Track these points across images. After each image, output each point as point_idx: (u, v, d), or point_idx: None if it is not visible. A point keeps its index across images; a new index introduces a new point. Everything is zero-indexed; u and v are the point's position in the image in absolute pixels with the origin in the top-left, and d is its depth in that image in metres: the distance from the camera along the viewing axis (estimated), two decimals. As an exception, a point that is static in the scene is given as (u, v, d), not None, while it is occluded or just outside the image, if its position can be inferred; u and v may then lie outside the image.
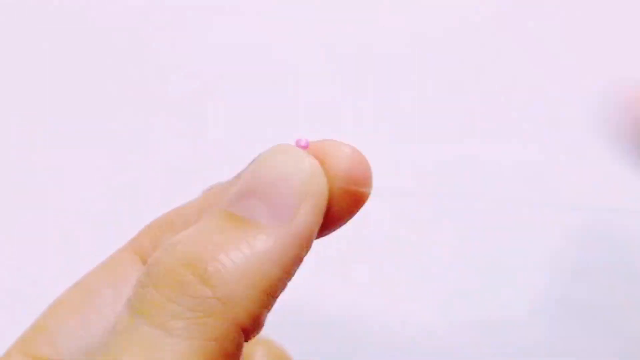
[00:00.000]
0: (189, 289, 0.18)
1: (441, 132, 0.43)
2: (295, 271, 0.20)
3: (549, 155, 0.42)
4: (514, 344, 0.39)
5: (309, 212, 0.20)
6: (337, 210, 0.21)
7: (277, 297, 0.19)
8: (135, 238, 0.23)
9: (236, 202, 0.20)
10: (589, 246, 0.40)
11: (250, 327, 0.19)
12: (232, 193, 0.20)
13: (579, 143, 0.42)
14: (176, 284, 0.18)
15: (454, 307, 0.39)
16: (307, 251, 0.20)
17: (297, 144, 0.21)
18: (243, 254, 0.19)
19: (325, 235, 0.21)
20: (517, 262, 0.40)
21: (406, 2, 0.46)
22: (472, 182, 0.42)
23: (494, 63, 0.45)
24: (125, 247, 0.23)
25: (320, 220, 0.20)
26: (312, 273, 0.40)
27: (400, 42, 0.45)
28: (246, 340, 0.19)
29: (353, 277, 0.40)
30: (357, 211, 0.21)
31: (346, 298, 0.39)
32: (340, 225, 0.21)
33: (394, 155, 0.42)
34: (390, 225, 0.41)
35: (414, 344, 0.39)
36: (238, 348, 0.19)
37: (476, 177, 0.42)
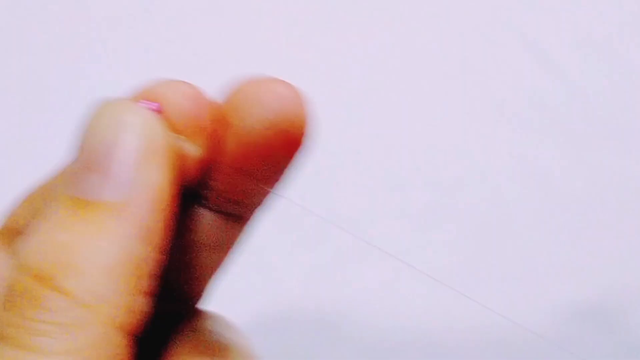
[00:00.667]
0: (45, 304, 0.16)
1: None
2: (165, 239, 0.17)
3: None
4: (514, 344, 0.39)
5: (154, 172, 0.17)
6: (264, 155, 0.18)
7: (153, 276, 0.17)
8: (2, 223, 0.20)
9: (75, 183, 0.17)
10: (589, 245, 0.40)
11: (131, 321, 0.16)
12: (70, 173, 0.17)
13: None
14: (30, 301, 0.16)
15: (454, 307, 0.39)
16: (169, 214, 0.17)
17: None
18: (97, 246, 0.16)
19: (272, 184, 0.19)
20: (517, 262, 0.40)
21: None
22: (470, 183, 0.42)
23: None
24: None
25: (170, 176, 0.17)
26: (309, 274, 0.40)
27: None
28: (136, 334, 0.17)
29: (351, 278, 0.40)
30: (291, 152, 0.18)
31: (343, 298, 0.39)
32: (281, 171, 0.19)
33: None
34: (389, 223, 0.41)
35: (413, 344, 0.39)
36: (125, 349, 0.16)
37: (470, 178, 0.42)
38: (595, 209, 0.41)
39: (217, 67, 0.43)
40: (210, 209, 0.19)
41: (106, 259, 0.16)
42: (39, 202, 0.19)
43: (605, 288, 0.39)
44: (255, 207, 0.20)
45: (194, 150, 0.18)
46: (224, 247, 0.20)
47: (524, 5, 0.45)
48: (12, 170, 0.41)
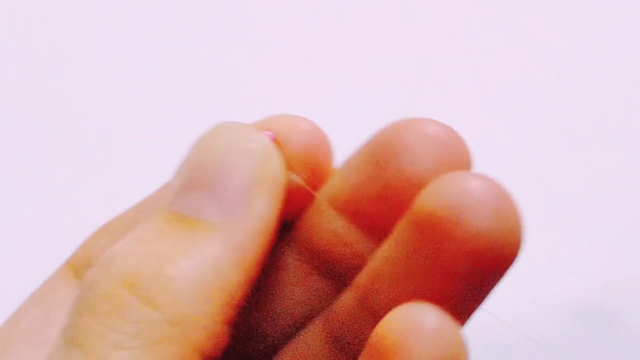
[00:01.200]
0: (131, 314, 0.15)
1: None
2: (258, 272, 0.16)
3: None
4: (513, 345, 0.39)
5: (265, 201, 0.16)
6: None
7: (240, 306, 0.16)
8: (72, 256, 0.20)
9: (178, 199, 0.16)
10: (589, 245, 0.40)
11: (212, 349, 0.16)
12: (173, 189, 0.17)
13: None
14: (115, 308, 0.15)
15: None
16: (268, 246, 0.17)
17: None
18: (193, 263, 0.15)
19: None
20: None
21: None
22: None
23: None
24: (60, 268, 0.20)
25: (279, 208, 0.17)
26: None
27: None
28: None
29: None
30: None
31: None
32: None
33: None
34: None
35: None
36: None
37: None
38: (595, 208, 0.41)
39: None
40: (301, 254, 0.18)
41: (200, 277, 0.15)
42: (118, 231, 0.18)
43: (605, 288, 0.39)
44: (356, 270, 0.17)
45: (300, 184, 0.18)
46: (310, 301, 0.18)
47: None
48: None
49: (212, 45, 0.45)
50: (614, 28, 0.46)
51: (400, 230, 0.16)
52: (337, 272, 0.18)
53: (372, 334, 0.15)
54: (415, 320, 0.14)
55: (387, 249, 0.16)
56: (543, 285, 0.40)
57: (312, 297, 0.18)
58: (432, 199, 0.15)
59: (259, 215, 0.16)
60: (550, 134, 0.43)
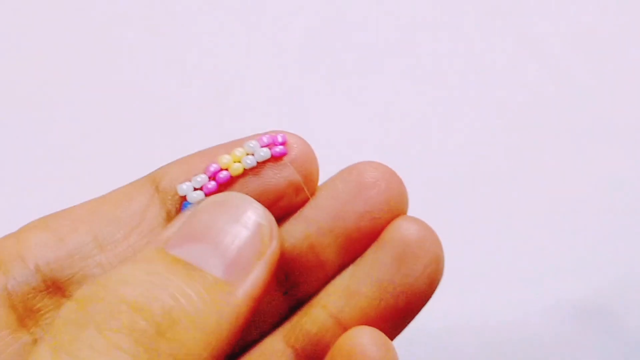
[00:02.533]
0: (143, 338, 0.15)
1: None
2: (240, 334, 0.17)
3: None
4: (513, 345, 0.39)
5: (264, 270, 0.18)
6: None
7: (226, 353, 0.17)
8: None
9: (179, 245, 0.17)
10: (589, 245, 0.40)
11: None
12: (170, 232, 0.18)
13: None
14: (126, 329, 0.15)
15: (453, 308, 0.39)
16: (254, 311, 0.18)
17: (273, 141, 0.20)
18: (201, 306, 0.16)
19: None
20: (516, 262, 0.40)
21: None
22: (471, 182, 0.42)
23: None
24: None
25: (271, 277, 0.18)
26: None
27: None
28: None
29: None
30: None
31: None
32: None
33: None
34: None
35: (412, 345, 0.39)
36: None
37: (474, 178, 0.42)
38: (595, 207, 0.41)
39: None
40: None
41: (203, 325, 0.16)
42: (63, 229, 0.19)
43: (605, 288, 0.39)
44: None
45: (300, 185, 0.20)
46: (269, 314, 0.21)
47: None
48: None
49: (203, 53, 0.45)
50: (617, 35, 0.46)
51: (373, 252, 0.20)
52: (295, 284, 0.20)
53: (327, 355, 0.19)
54: (358, 344, 0.18)
55: (360, 268, 0.20)
56: (543, 286, 0.39)
57: (271, 310, 0.21)
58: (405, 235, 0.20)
59: (256, 282, 0.17)
60: (550, 135, 0.43)
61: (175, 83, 0.44)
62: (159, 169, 0.20)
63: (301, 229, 0.20)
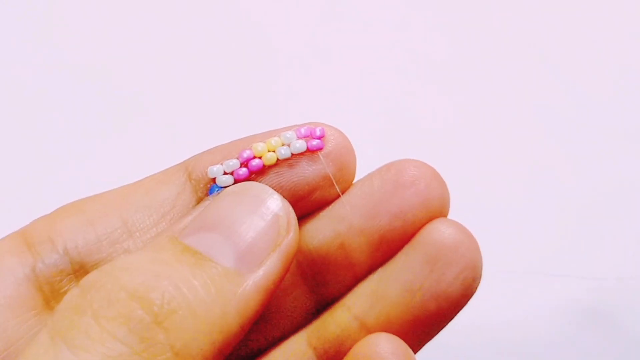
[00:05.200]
0: (139, 327, 0.15)
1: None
2: (249, 327, 0.17)
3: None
4: (513, 345, 0.39)
5: (279, 262, 0.17)
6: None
7: (227, 355, 0.16)
8: (27, 227, 0.20)
9: (192, 233, 0.17)
10: (589, 244, 0.40)
11: None
12: (187, 221, 0.17)
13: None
14: (122, 317, 0.15)
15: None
16: (266, 304, 0.17)
17: (310, 134, 0.19)
18: (204, 296, 0.16)
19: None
20: (517, 261, 0.40)
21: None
22: (473, 182, 0.42)
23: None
24: (10, 236, 0.20)
25: (287, 269, 0.18)
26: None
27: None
28: None
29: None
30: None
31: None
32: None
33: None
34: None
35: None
36: None
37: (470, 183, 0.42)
38: (595, 207, 0.41)
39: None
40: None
41: (210, 317, 0.16)
42: (93, 214, 0.19)
43: (605, 288, 0.39)
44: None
45: (331, 182, 0.19)
46: (294, 313, 0.20)
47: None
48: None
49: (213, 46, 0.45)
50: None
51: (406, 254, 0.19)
52: (322, 283, 0.20)
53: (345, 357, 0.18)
54: (375, 352, 0.18)
55: (389, 271, 0.19)
56: (543, 286, 0.39)
57: (296, 309, 0.20)
58: (438, 239, 0.19)
59: (270, 273, 0.17)
60: (554, 137, 0.43)
61: (210, 72, 0.43)
62: (193, 157, 0.20)
63: (331, 227, 0.19)
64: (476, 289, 0.19)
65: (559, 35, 0.45)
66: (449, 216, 0.20)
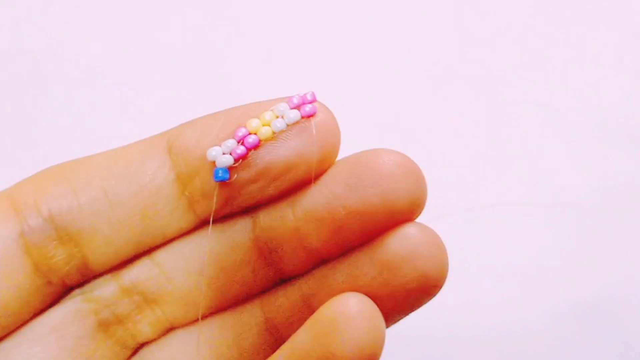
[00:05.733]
0: None
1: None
2: None
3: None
4: (513, 345, 0.38)
5: None
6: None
7: None
8: (15, 185, 0.20)
9: None
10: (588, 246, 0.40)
11: None
12: None
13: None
14: None
15: (452, 308, 0.39)
16: None
17: (303, 101, 0.19)
18: None
19: None
20: (517, 261, 0.40)
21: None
22: (474, 183, 0.42)
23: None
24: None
25: None
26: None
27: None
28: None
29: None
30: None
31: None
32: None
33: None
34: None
35: (411, 345, 0.39)
36: None
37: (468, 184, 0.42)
38: (595, 206, 0.41)
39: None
40: (257, 238, 0.20)
41: None
42: (77, 180, 0.20)
43: (605, 288, 0.39)
44: None
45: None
46: (250, 283, 0.21)
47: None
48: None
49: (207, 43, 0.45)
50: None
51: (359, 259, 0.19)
52: (278, 261, 0.20)
53: (310, 318, 0.18)
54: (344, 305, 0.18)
55: (341, 267, 0.19)
56: (543, 286, 0.39)
57: (254, 281, 0.21)
58: (393, 246, 0.19)
59: None
60: (554, 133, 0.43)
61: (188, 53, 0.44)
62: (174, 128, 0.20)
63: (289, 209, 0.20)
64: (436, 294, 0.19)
65: (558, 35, 0.46)
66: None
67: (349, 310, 0.17)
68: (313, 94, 0.19)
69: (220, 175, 0.19)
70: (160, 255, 0.21)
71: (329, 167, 0.19)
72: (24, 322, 0.20)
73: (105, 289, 0.20)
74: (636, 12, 0.46)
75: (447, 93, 0.44)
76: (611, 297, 0.39)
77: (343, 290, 0.18)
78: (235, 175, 0.19)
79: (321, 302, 0.18)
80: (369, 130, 0.41)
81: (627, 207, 0.41)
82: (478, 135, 0.43)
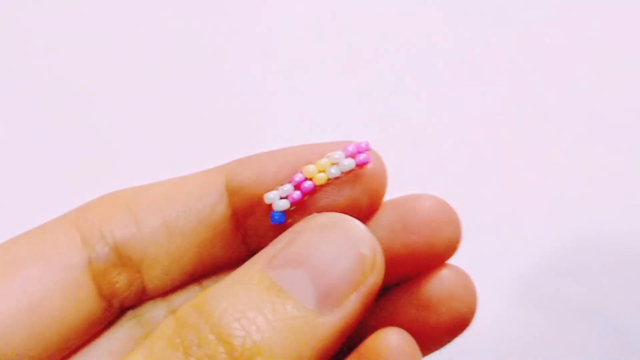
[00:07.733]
0: None
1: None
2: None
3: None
4: (512, 345, 0.39)
5: (358, 303, 0.18)
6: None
7: None
8: (79, 210, 0.21)
9: (280, 267, 0.18)
10: (588, 245, 0.41)
11: None
12: (277, 251, 0.18)
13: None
14: (208, 358, 0.16)
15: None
16: (344, 339, 0.18)
17: (358, 150, 0.20)
18: (283, 340, 0.17)
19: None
20: (517, 261, 0.41)
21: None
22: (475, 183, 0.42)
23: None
24: (63, 218, 0.21)
25: (367, 309, 0.18)
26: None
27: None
28: None
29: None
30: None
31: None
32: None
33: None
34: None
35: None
36: None
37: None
38: (596, 206, 0.41)
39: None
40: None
41: (282, 356, 0.17)
42: (140, 211, 0.20)
43: (604, 287, 0.39)
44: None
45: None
46: None
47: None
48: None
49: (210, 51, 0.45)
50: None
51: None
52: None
53: (355, 350, 0.19)
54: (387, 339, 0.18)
55: (384, 304, 0.21)
56: (543, 285, 0.40)
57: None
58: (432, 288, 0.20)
59: (348, 313, 0.18)
60: (554, 133, 0.43)
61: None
62: (231, 163, 0.21)
63: None
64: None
65: (558, 36, 0.46)
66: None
67: (393, 344, 0.18)
68: (367, 144, 0.20)
69: (276, 218, 0.20)
70: (209, 281, 0.22)
71: (375, 210, 0.20)
72: (85, 343, 0.21)
73: (156, 312, 0.21)
74: (636, 12, 0.47)
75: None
76: (611, 297, 0.39)
77: (383, 325, 0.19)
78: (290, 220, 0.20)
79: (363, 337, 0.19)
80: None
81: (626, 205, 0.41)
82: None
